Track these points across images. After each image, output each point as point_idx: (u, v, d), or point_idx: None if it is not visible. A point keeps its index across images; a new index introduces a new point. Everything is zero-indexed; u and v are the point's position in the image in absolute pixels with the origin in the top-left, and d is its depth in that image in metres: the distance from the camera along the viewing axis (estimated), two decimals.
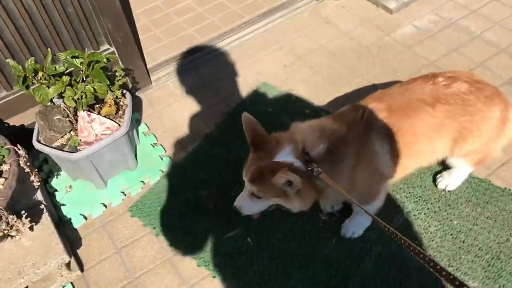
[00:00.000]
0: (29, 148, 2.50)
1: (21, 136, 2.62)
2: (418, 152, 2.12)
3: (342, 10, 3.85)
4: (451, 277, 1.29)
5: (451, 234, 2.37)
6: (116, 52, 3.04)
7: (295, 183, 1.78)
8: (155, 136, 3.06)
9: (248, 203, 2.02)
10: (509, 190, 2.49)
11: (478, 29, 3.47)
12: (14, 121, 2.92)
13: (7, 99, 2.84)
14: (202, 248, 2.46)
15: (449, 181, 2.51)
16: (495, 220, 2.39)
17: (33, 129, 2.68)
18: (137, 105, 3.24)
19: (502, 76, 3.06)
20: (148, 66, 3.44)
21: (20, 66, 2.39)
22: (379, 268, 2.29)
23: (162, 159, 2.91)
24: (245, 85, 3.32)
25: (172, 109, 3.24)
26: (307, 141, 1.92)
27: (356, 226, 2.40)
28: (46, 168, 2.91)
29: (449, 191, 2.53)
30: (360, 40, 3.55)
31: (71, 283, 2.44)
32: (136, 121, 3.10)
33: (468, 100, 2.05)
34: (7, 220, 2.16)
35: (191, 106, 3.24)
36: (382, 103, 2.07)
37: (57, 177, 2.86)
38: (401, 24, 3.62)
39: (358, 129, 2.00)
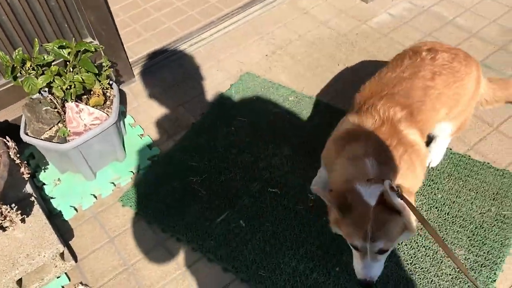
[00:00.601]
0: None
1: (6, 132, 2.59)
2: (430, 126, 2.19)
3: (318, 1, 3.94)
4: None
5: (436, 207, 2.47)
6: (99, 44, 3.05)
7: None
8: (142, 128, 3.07)
9: (377, 266, 1.80)
10: (488, 163, 2.61)
11: (450, 15, 3.61)
12: None
13: None
14: (196, 232, 2.49)
15: (431, 158, 2.61)
16: (477, 192, 2.50)
17: (17, 125, 2.67)
18: (121, 98, 3.24)
19: (476, 58, 3.19)
20: (130, 60, 3.45)
21: (8, 56, 2.38)
22: None
23: (150, 149, 2.93)
24: (229, 75, 3.37)
25: (157, 101, 3.26)
26: (356, 172, 1.85)
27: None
28: (33, 163, 2.89)
29: (432, 167, 2.63)
30: (338, 30, 3.64)
31: (66, 273, 2.44)
32: (121, 113, 3.11)
33: (454, 67, 2.17)
34: (0, 211, 2.15)
35: (176, 97, 3.27)
36: (392, 100, 2.04)
37: (44, 171, 2.85)
38: (376, 13, 3.73)
39: (388, 132, 1.96)
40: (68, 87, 2.46)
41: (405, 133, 1.98)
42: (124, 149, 2.91)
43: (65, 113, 2.58)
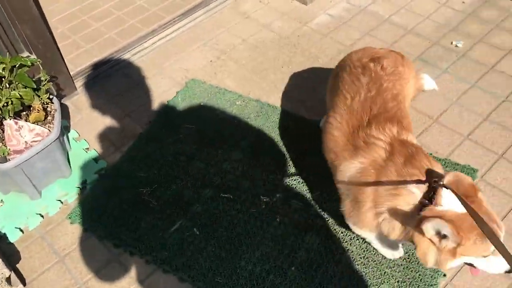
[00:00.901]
0: None
1: None
2: (411, 128, 2.21)
3: (259, 5, 3.98)
4: None
5: None
6: (36, 58, 2.95)
7: None
8: (87, 141, 2.99)
9: None
10: (431, 154, 2.71)
11: (386, 14, 3.74)
12: None
13: None
14: (149, 244, 2.45)
15: None
16: None
17: None
18: (64, 112, 3.15)
19: (413, 54, 3.33)
20: (71, 73, 3.36)
21: None
22: (322, 239, 2.41)
23: (96, 162, 2.86)
24: (174, 83, 3.35)
25: (101, 113, 3.19)
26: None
27: None
28: None
29: None
30: (280, 32, 3.69)
31: None
32: (64, 128, 3.02)
33: (400, 70, 2.28)
34: None
35: (121, 108, 3.20)
36: (380, 121, 2.06)
37: None
38: (316, 14, 3.81)
39: (402, 146, 1.97)
40: (5, 104, 2.37)
41: (409, 139, 2.03)
42: (70, 165, 2.82)
43: (3, 131, 2.48)
